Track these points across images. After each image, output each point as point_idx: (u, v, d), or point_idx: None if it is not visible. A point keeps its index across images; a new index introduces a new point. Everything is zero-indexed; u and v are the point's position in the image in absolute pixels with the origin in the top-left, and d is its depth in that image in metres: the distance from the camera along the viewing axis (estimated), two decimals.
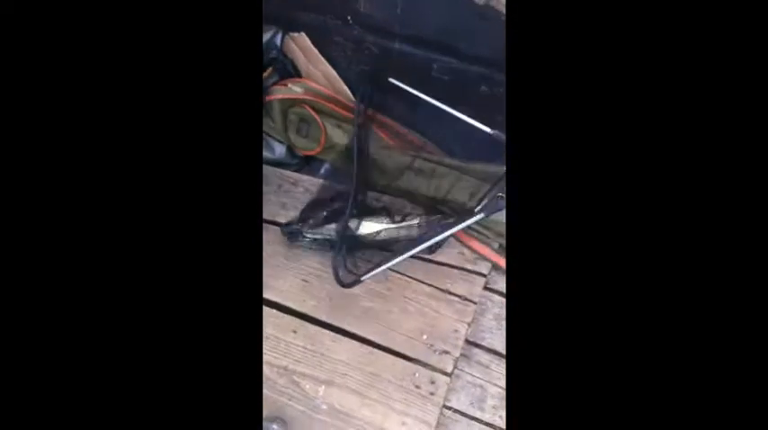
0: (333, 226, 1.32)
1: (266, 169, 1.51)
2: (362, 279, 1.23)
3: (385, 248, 1.29)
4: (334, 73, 1.50)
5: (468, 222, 1.16)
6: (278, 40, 1.49)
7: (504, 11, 1.03)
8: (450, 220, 1.25)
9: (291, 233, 1.32)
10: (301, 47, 1.50)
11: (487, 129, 1.16)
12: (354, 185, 1.32)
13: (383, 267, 1.22)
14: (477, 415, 1.15)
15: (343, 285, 1.24)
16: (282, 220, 1.40)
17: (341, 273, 1.25)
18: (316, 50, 1.48)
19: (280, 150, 1.54)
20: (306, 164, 1.56)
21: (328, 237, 1.31)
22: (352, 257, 1.30)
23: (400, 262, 1.22)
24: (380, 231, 1.28)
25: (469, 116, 1.34)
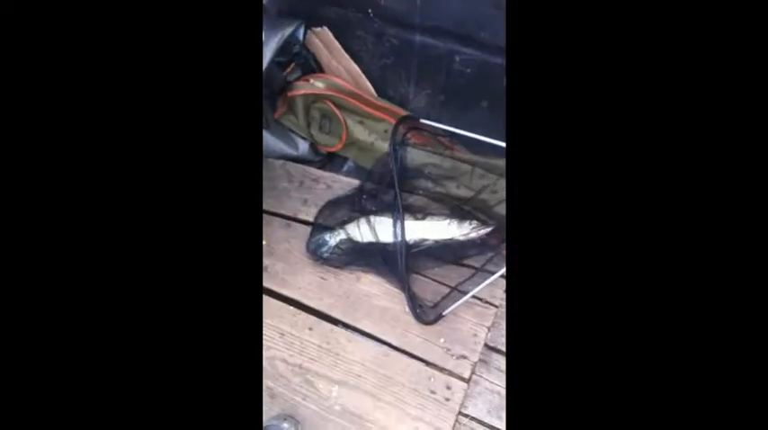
0: (352, 225, 1.30)
1: (289, 165, 1.50)
2: (444, 314, 1.17)
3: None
4: (356, 68, 1.47)
5: None
6: (300, 35, 1.47)
7: None
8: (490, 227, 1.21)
9: (315, 251, 1.31)
10: (324, 41, 1.48)
11: None
12: (401, 234, 1.22)
13: (463, 300, 1.16)
14: (495, 423, 1.10)
15: (426, 322, 1.17)
16: (303, 217, 1.40)
17: (418, 311, 1.18)
18: (338, 45, 1.46)
19: (303, 147, 1.53)
20: (329, 161, 1.54)
21: (355, 238, 1.29)
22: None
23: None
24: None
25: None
